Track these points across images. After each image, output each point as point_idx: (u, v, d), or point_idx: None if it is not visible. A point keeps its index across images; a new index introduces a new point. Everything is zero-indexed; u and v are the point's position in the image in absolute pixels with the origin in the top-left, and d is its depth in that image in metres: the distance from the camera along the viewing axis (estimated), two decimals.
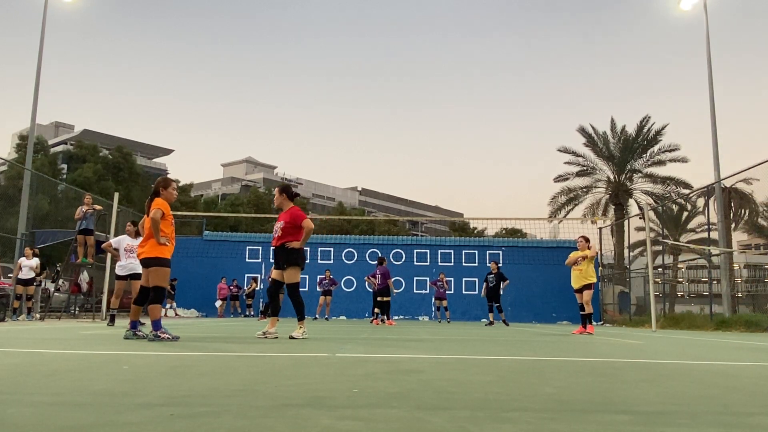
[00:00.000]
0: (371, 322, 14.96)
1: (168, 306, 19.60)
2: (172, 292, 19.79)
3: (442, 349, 4.91)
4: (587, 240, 10.33)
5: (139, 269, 9.55)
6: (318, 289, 18.30)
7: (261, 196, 44.15)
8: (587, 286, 9.84)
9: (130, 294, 9.79)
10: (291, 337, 6.15)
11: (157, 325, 5.50)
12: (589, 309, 9.86)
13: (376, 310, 13.81)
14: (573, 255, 10.13)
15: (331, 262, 21.90)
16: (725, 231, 17.36)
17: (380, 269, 13.77)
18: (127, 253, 9.49)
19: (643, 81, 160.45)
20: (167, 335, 5.45)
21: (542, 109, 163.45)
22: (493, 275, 14.49)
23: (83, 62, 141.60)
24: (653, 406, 2.03)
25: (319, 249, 22.08)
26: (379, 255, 16.52)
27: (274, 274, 6.51)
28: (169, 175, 61.12)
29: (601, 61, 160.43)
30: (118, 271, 9.58)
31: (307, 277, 21.43)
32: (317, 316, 17.78)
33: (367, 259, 21.56)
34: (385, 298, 13.63)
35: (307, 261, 22.05)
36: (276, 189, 6.65)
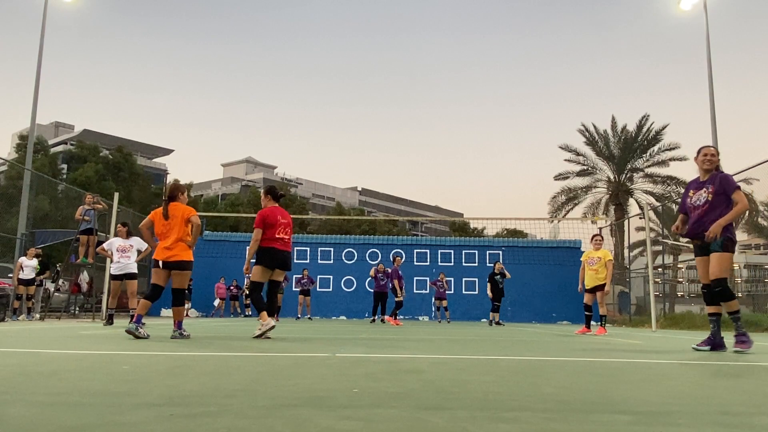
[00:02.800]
0: (371, 321, 14.98)
1: (187, 306, 19.63)
2: (187, 292, 19.77)
3: (442, 349, 4.91)
4: (603, 238, 10.23)
5: (133, 269, 9.69)
6: (295, 289, 18.23)
7: (261, 196, 44.11)
8: (601, 287, 9.75)
9: (126, 294, 9.86)
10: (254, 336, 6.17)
11: (180, 324, 5.99)
12: (603, 310, 9.76)
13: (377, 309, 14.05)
14: (587, 255, 10.01)
15: (332, 262, 21.91)
16: None
17: (392, 268, 14.16)
18: (120, 253, 9.62)
19: (644, 80, 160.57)
20: (186, 333, 5.92)
21: (543, 109, 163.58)
22: (498, 275, 14.48)
23: (83, 62, 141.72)
24: (653, 406, 2.03)
25: (319, 249, 22.09)
26: (399, 255, 16.79)
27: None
28: (169, 175, 61.37)
29: (601, 61, 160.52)
30: (113, 271, 9.72)
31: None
32: (299, 316, 17.77)
33: (367, 259, 21.56)
34: (395, 298, 13.87)
35: (306, 261, 22.00)
36: (262, 191, 6.78)
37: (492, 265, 16.02)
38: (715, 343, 5.19)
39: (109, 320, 9.86)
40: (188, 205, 6.26)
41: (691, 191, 5.36)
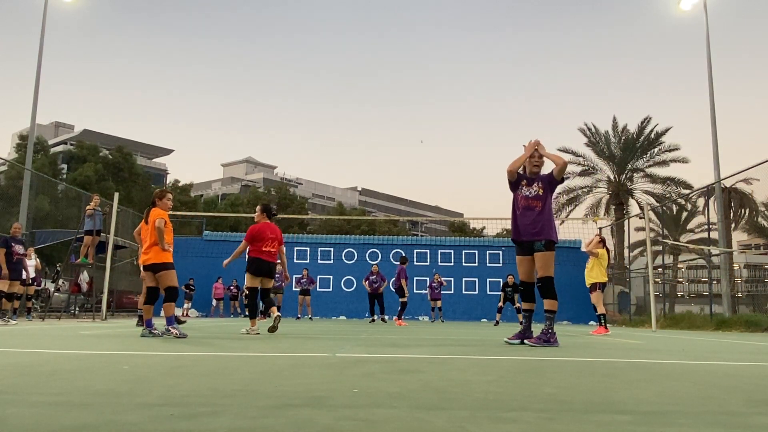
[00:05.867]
0: (370, 321, 15.00)
1: (187, 306, 19.61)
2: (188, 292, 19.75)
3: (442, 349, 4.91)
4: (601, 240, 10.25)
5: None
6: (295, 289, 18.20)
7: (260, 196, 44.17)
8: (593, 286, 9.79)
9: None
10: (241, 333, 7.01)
11: (170, 321, 6.12)
12: (599, 310, 9.75)
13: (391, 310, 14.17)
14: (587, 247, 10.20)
15: (332, 262, 21.90)
16: (725, 231, 17.38)
17: (398, 268, 14.28)
18: None
19: (644, 80, 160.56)
20: (177, 331, 5.92)
21: (543, 109, 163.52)
22: (510, 288, 15.13)
23: (83, 62, 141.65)
24: (653, 406, 2.02)
25: (319, 249, 22.08)
26: (402, 255, 16.90)
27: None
28: (168, 176, 61.43)
29: (601, 60, 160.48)
30: None
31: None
32: (299, 316, 17.78)
33: (367, 259, 21.54)
34: (400, 299, 13.96)
35: (306, 261, 21.97)
36: (259, 206, 7.68)
37: (494, 271, 16.30)
38: (525, 337, 5.68)
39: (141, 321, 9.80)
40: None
41: (524, 181, 5.79)
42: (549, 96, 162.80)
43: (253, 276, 7.32)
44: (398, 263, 14.57)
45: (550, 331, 5.52)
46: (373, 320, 14.99)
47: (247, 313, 7.93)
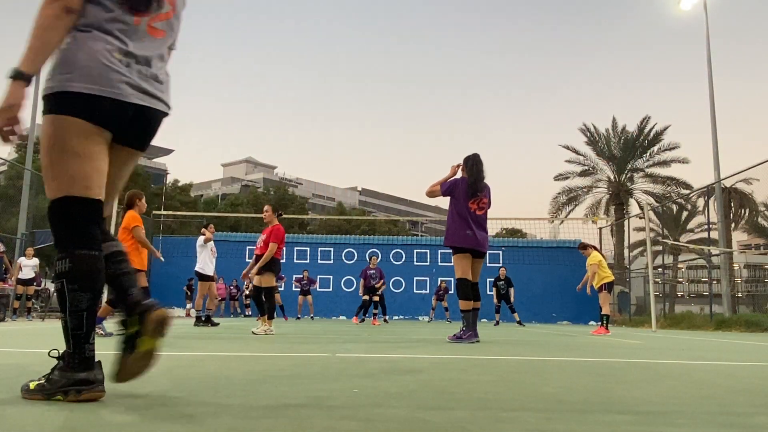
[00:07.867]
0: (361, 321, 15.08)
1: (189, 306, 19.59)
2: (189, 293, 19.74)
3: (442, 349, 4.91)
4: (585, 247, 10.39)
5: (197, 269, 10.02)
6: (295, 289, 18.22)
7: (260, 196, 44.16)
8: (600, 287, 9.93)
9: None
10: (253, 333, 7.05)
11: (98, 320, 6.00)
12: (605, 310, 9.87)
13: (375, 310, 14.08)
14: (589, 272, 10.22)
15: (332, 262, 21.88)
16: (725, 231, 17.39)
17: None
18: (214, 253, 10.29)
19: (644, 80, 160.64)
20: (101, 331, 5.77)
21: (543, 109, 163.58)
22: (502, 281, 15.28)
23: None
24: (653, 406, 2.02)
25: (319, 249, 22.06)
26: (375, 254, 17.05)
27: (256, 280, 7.68)
28: (168, 176, 61.51)
29: (601, 60, 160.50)
30: (210, 272, 10.14)
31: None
32: (299, 316, 17.79)
33: (368, 259, 21.52)
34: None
35: (306, 261, 22.02)
36: (269, 206, 7.84)
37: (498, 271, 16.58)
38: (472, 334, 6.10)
39: (208, 321, 9.79)
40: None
41: (471, 200, 6.19)
42: (549, 95, 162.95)
43: (275, 276, 7.56)
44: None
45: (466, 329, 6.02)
46: (363, 320, 15.11)
47: (248, 313, 8.03)
